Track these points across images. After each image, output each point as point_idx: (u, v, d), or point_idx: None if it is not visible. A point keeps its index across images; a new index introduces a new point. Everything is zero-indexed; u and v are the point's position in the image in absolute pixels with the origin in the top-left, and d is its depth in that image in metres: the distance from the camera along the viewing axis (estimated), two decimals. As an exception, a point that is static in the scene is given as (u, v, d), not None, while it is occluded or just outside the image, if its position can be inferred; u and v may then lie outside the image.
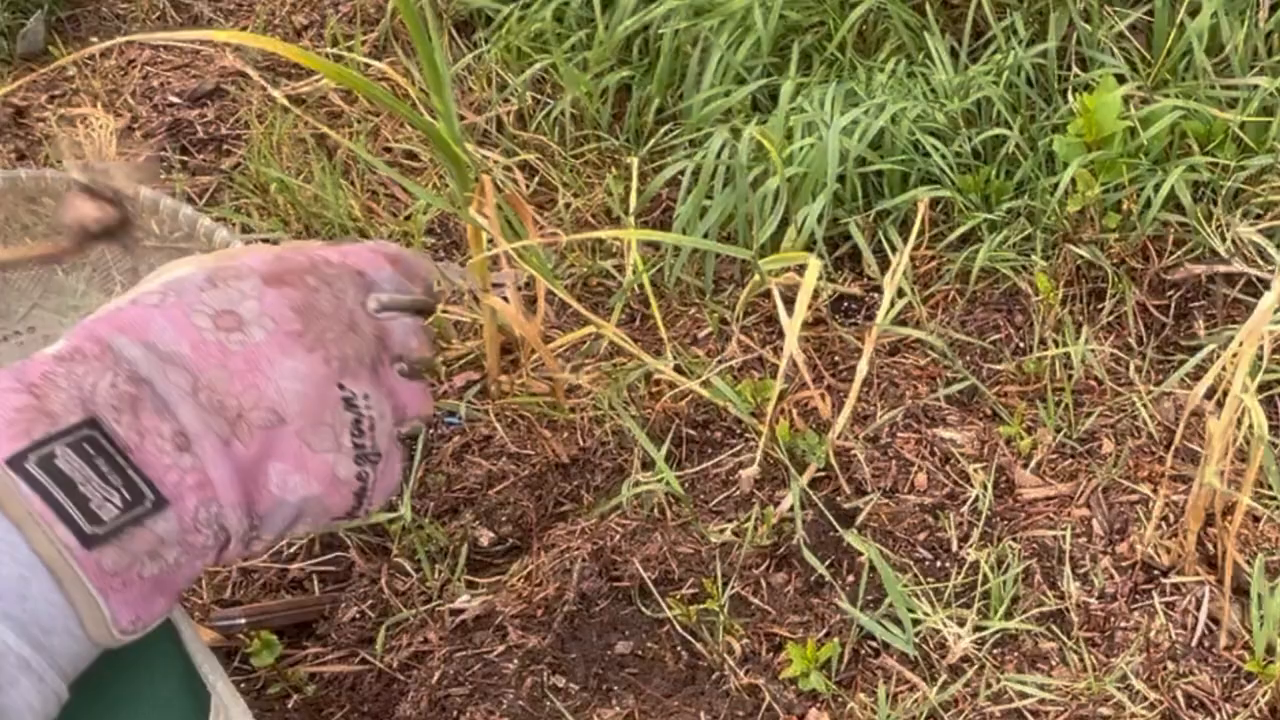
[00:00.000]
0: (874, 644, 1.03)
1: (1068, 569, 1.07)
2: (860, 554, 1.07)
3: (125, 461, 0.52)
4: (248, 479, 0.57)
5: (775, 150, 1.29)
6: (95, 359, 0.54)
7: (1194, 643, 1.01)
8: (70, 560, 0.48)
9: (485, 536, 1.15)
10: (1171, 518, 1.09)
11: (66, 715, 0.54)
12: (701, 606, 1.04)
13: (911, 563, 1.09)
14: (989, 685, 0.98)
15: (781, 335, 1.26)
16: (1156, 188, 1.28)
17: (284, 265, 0.63)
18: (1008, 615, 1.03)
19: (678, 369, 1.29)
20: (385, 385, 0.66)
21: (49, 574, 0.48)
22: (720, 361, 1.30)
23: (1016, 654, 1.01)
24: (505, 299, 1.17)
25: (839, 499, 1.14)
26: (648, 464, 1.18)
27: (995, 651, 1.01)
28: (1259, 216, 1.28)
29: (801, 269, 1.15)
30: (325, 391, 0.61)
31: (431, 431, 1.27)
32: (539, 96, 1.67)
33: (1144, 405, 1.19)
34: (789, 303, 1.14)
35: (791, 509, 1.10)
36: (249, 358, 0.59)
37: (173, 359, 0.57)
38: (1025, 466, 1.17)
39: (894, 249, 1.36)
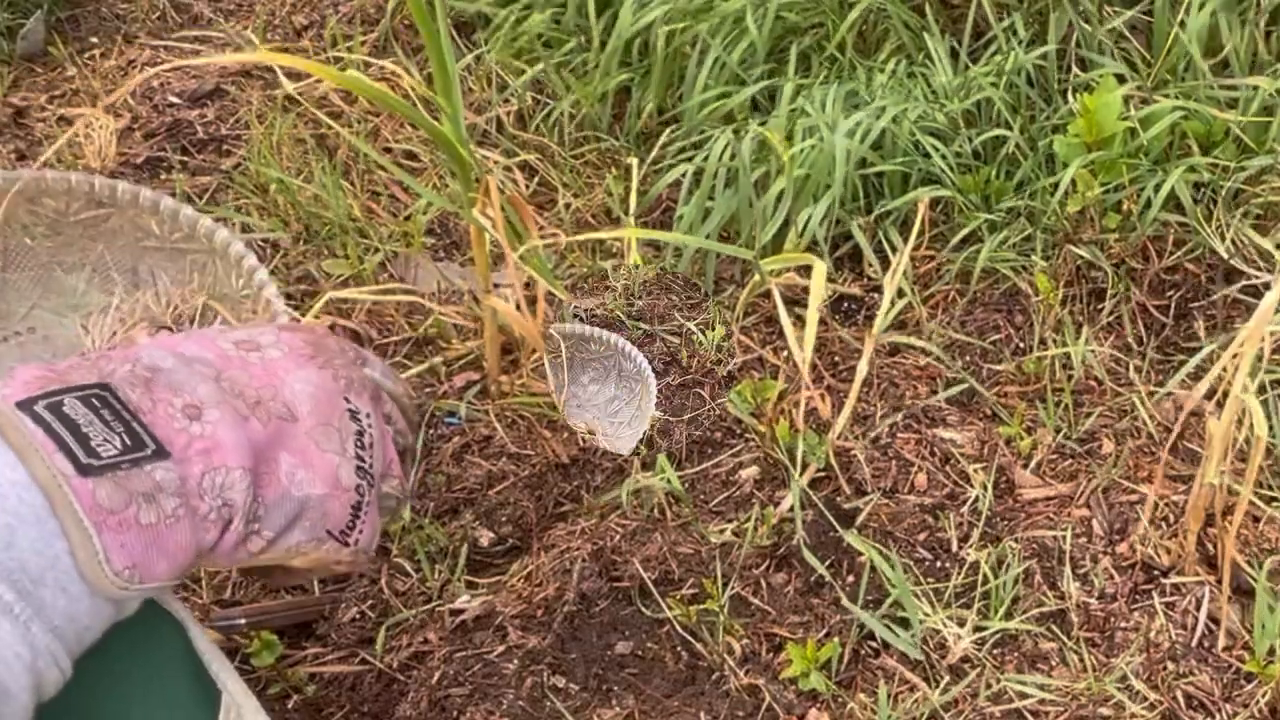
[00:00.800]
0: (874, 644, 1.03)
1: (1068, 569, 1.07)
2: (860, 554, 1.07)
3: (131, 416, 0.55)
4: (259, 456, 0.59)
5: (785, 151, 1.29)
6: (120, 357, 0.58)
7: (1194, 643, 1.01)
8: (64, 486, 0.50)
9: (485, 536, 1.15)
10: (1171, 518, 1.09)
11: (78, 713, 0.55)
12: (701, 607, 1.04)
13: (911, 563, 1.09)
14: (989, 685, 0.99)
15: (781, 335, 1.26)
16: (1156, 188, 1.28)
17: (294, 325, 0.72)
18: (1008, 615, 1.03)
19: (678, 369, 1.29)
20: (381, 425, 0.70)
21: (44, 521, 0.49)
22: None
23: (1016, 654, 1.02)
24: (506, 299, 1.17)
25: (839, 499, 1.14)
26: (648, 464, 1.18)
27: (995, 652, 1.02)
28: (1259, 217, 1.28)
29: (803, 270, 1.15)
30: (334, 399, 0.67)
31: (431, 431, 1.27)
32: (539, 97, 1.67)
33: (1144, 405, 1.19)
34: (789, 303, 1.14)
35: (791, 509, 1.11)
36: (267, 367, 0.65)
37: (198, 359, 0.62)
38: (1025, 466, 1.17)
39: (894, 249, 1.37)
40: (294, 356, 0.66)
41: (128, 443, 0.53)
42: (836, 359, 1.32)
